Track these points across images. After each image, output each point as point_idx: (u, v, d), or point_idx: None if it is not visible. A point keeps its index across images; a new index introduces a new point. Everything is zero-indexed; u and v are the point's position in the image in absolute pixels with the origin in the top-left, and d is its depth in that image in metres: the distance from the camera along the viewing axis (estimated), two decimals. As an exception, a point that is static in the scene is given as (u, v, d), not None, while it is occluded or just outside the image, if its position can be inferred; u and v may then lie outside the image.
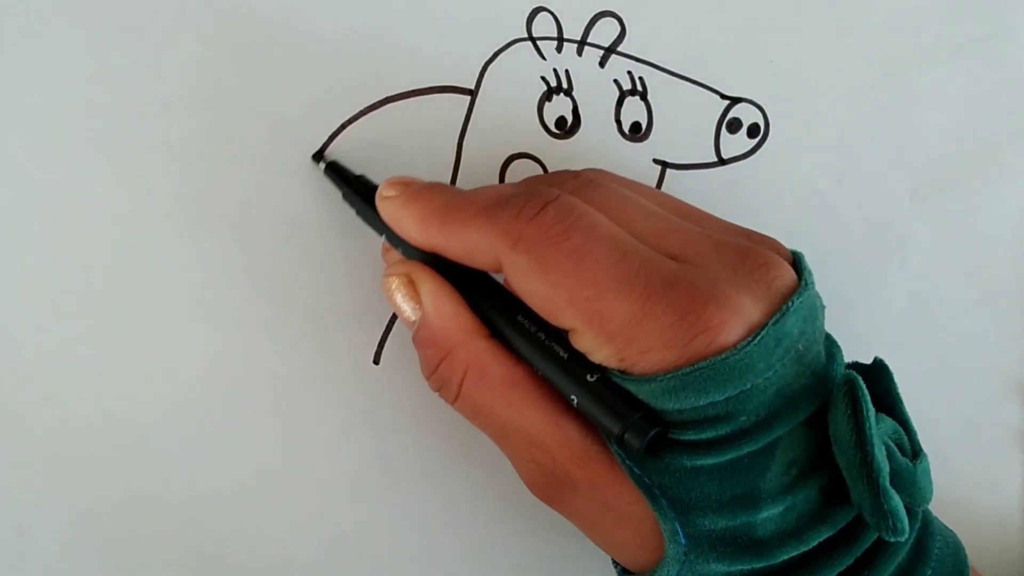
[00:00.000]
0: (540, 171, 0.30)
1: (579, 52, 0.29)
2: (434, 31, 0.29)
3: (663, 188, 0.30)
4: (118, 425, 0.28)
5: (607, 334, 0.21)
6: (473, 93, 0.29)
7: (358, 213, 0.27)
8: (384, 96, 0.29)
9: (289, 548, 0.29)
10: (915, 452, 0.23)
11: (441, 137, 0.29)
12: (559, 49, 0.29)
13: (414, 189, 0.25)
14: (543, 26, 0.29)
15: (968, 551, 0.25)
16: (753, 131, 0.30)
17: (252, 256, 0.29)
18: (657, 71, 0.30)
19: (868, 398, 0.21)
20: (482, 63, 0.29)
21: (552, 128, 0.30)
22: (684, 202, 0.27)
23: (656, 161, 0.30)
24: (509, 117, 0.29)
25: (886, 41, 0.30)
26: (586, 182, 0.24)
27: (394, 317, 0.29)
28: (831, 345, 0.24)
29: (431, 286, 0.24)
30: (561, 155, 0.30)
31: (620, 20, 0.29)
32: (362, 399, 0.29)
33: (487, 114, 0.29)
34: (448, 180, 0.29)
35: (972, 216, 0.31)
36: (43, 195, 0.28)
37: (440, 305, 0.24)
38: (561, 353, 0.22)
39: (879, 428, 0.22)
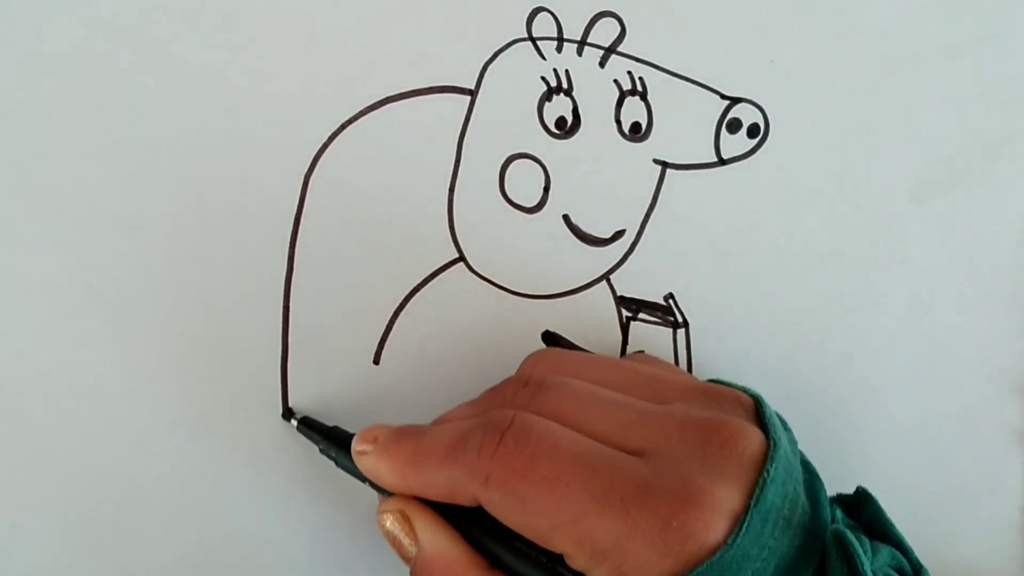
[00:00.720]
0: (540, 171, 0.30)
1: (579, 52, 0.29)
2: (434, 31, 0.29)
3: (663, 188, 0.30)
4: (118, 425, 0.28)
5: (600, 554, 0.21)
6: (473, 93, 0.29)
7: (337, 464, 0.27)
8: (384, 96, 0.29)
9: (289, 548, 0.29)
10: (915, 571, 0.24)
11: (441, 137, 0.29)
12: (559, 49, 0.29)
13: (383, 440, 0.25)
14: (543, 26, 0.29)
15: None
16: (753, 131, 0.30)
17: (252, 255, 0.29)
18: (657, 71, 0.30)
19: (859, 550, 0.21)
20: (482, 63, 0.29)
21: (552, 128, 0.30)
22: (636, 364, 0.27)
23: (656, 161, 0.30)
24: (509, 117, 0.29)
25: (886, 41, 0.30)
26: (536, 389, 0.24)
27: (394, 317, 0.29)
28: (813, 483, 0.23)
29: (426, 521, 0.24)
30: (561, 155, 0.30)
31: (620, 20, 0.29)
32: (362, 399, 0.29)
33: (487, 114, 0.29)
34: (448, 180, 0.29)
35: (972, 216, 0.31)
36: (43, 195, 0.28)
37: (436, 540, 0.24)
38: (567, 575, 0.22)
39: (877, 560, 0.22)
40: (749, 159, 0.30)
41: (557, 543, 0.21)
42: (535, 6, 0.29)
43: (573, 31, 0.29)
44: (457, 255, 0.30)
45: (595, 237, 0.30)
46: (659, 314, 0.31)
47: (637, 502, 0.21)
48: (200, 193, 0.28)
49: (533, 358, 0.27)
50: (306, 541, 0.29)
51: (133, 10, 0.28)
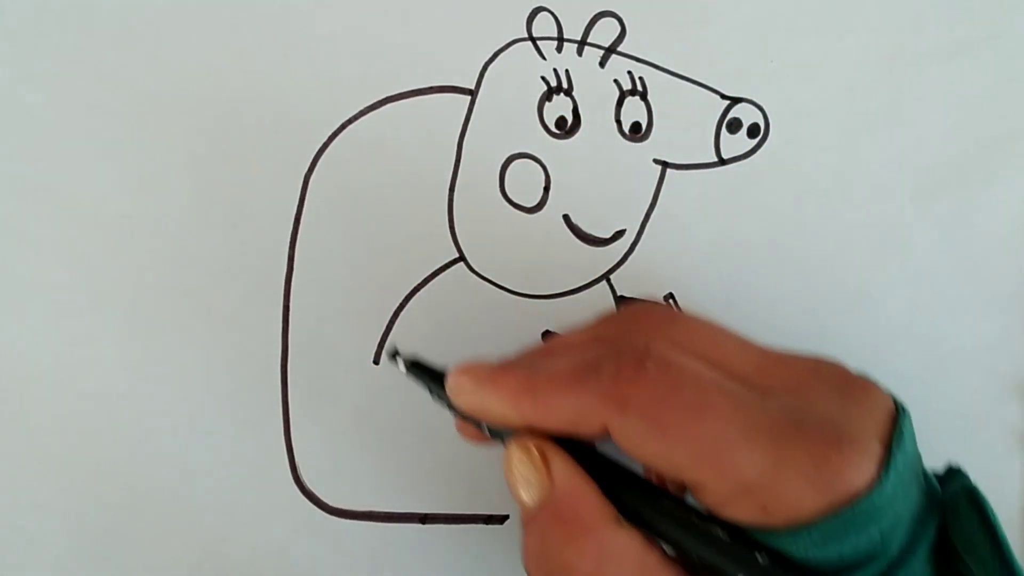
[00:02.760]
0: (540, 171, 0.30)
1: (579, 52, 0.29)
2: (434, 31, 0.29)
3: (663, 188, 0.30)
4: (118, 425, 0.28)
5: (744, 486, 0.20)
6: (473, 93, 0.29)
7: (451, 409, 0.24)
8: (384, 96, 0.29)
9: (289, 549, 0.29)
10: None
11: (441, 137, 0.29)
12: (559, 49, 0.29)
13: (487, 371, 0.23)
14: (543, 26, 0.29)
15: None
16: (753, 131, 0.30)
17: (252, 255, 0.29)
18: (657, 71, 0.30)
19: (990, 504, 0.21)
20: (482, 63, 0.29)
21: (552, 128, 0.30)
22: (731, 329, 0.26)
23: (656, 161, 0.30)
24: (509, 117, 0.29)
25: (886, 41, 0.30)
26: (666, 317, 0.24)
27: (394, 317, 0.29)
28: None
29: (564, 461, 0.22)
30: (561, 155, 0.30)
31: (620, 20, 0.29)
32: (362, 399, 0.29)
33: (487, 114, 0.29)
34: (448, 180, 0.29)
35: (972, 216, 0.31)
36: (43, 195, 0.28)
37: (575, 483, 0.22)
38: (722, 535, 0.21)
39: None
40: (749, 159, 0.30)
41: (696, 474, 0.21)
42: (535, 6, 0.29)
43: (573, 31, 0.29)
44: (457, 255, 0.30)
45: (595, 237, 0.30)
46: (659, 314, 0.31)
47: (788, 437, 0.20)
48: (200, 193, 0.28)
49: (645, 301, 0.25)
50: (306, 541, 0.29)
51: (133, 10, 0.28)
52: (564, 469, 0.22)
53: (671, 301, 0.31)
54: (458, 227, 0.30)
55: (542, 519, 0.22)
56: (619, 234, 0.30)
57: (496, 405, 0.23)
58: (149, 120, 0.28)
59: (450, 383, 0.24)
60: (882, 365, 0.31)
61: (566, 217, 0.30)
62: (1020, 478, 0.32)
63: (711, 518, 0.21)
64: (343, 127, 0.29)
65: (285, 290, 0.29)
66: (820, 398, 0.21)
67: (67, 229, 0.28)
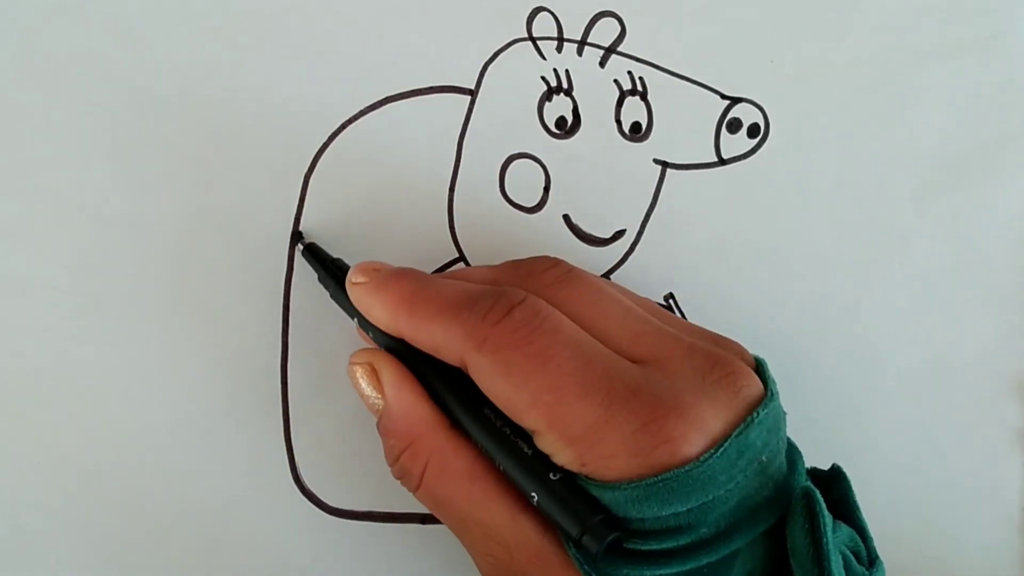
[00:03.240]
0: (540, 171, 0.30)
1: (579, 52, 0.29)
2: (434, 31, 0.29)
3: (663, 188, 0.30)
4: (118, 425, 0.28)
5: (568, 438, 0.21)
6: (473, 93, 0.29)
7: (332, 296, 0.27)
8: (384, 96, 0.29)
9: (289, 549, 0.29)
10: (871, 560, 0.24)
11: (441, 137, 0.29)
12: (559, 49, 0.29)
13: (383, 275, 0.25)
14: (543, 26, 0.29)
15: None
16: (753, 131, 0.30)
17: (251, 256, 0.29)
18: (657, 71, 0.30)
19: (825, 510, 0.21)
20: (482, 63, 0.29)
21: (552, 128, 0.30)
22: (653, 302, 0.27)
23: (656, 161, 0.30)
24: (509, 117, 0.29)
25: (886, 41, 0.30)
26: (563, 276, 0.24)
27: (394, 317, 0.29)
28: (792, 452, 0.24)
29: (393, 376, 0.24)
30: (561, 155, 0.30)
31: (620, 20, 0.29)
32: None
33: (487, 114, 0.29)
34: (448, 180, 0.29)
35: (972, 216, 0.31)
36: (42, 195, 0.28)
37: (402, 396, 0.24)
38: (526, 450, 0.22)
39: (836, 537, 0.22)
40: (749, 159, 0.30)
41: (530, 420, 0.22)
42: (535, 6, 0.29)
43: (573, 31, 0.29)
44: (457, 255, 0.30)
45: (595, 237, 0.30)
46: (659, 314, 0.31)
47: (621, 398, 0.21)
48: (200, 193, 0.28)
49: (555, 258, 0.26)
50: (306, 541, 0.29)
51: (133, 10, 0.28)
52: (393, 383, 0.24)
53: (671, 301, 0.31)
54: (458, 227, 0.30)
55: (382, 427, 0.25)
56: (619, 234, 0.30)
57: (376, 305, 0.24)
58: (149, 120, 0.28)
59: (350, 276, 0.25)
60: (882, 365, 0.31)
61: (566, 217, 0.30)
62: (1020, 478, 0.32)
63: (523, 434, 0.22)
64: (343, 127, 0.29)
65: (285, 290, 0.29)
66: (680, 374, 0.22)
67: (67, 229, 0.28)
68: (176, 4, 0.28)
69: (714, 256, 0.31)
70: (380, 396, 0.24)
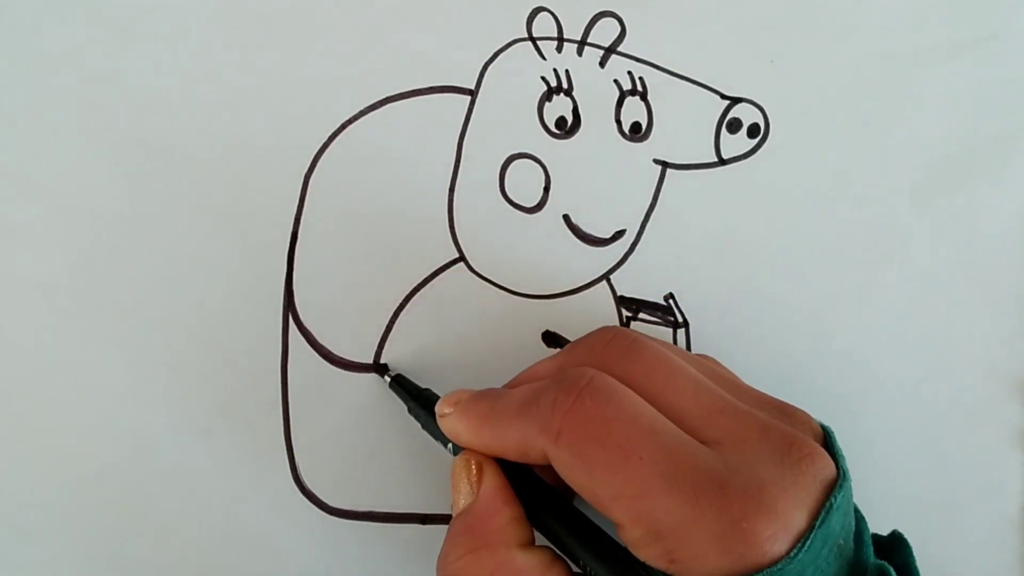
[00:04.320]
0: (540, 171, 0.30)
1: (579, 52, 0.29)
2: (434, 31, 0.29)
3: (663, 188, 0.30)
4: (118, 425, 0.28)
5: (655, 532, 0.21)
6: (473, 93, 0.29)
7: (424, 426, 0.27)
8: (384, 96, 0.29)
9: (289, 549, 0.29)
10: None
11: (441, 137, 0.29)
12: (559, 49, 0.29)
13: (464, 401, 0.25)
14: (543, 26, 0.29)
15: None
16: (753, 131, 0.30)
17: (251, 256, 0.29)
18: (657, 71, 0.30)
19: None
20: (482, 63, 0.29)
21: (552, 128, 0.30)
22: (716, 364, 0.26)
23: (656, 161, 0.30)
24: (509, 117, 0.29)
25: (886, 41, 0.30)
26: (628, 348, 0.24)
27: (394, 317, 0.29)
28: (859, 521, 0.24)
29: (494, 480, 0.24)
30: (561, 155, 0.30)
31: (620, 20, 0.29)
32: (362, 399, 0.29)
33: (487, 114, 0.29)
34: (448, 180, 0.29)
35: (972, 216, 0.31)
36: (42, 195, 0.28)
37: (494, 501, 0.24)
38: (614, 546, 0.22)
39: None
40: (749, 159, 0.30)
41: (615, 513, 0.21)
42: (535, 6, 0.29)
43: (573, 31, 0.29)
44: (457, 255, 0.30)
45: (595, 237, 0.30)
46: (659, 314, 0.31)
47: (708, 493, 0.20)
48: (200, 193, 0.28)
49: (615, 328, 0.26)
50: (306, 541, 0.29)
51: (133, 10, 0.28)
52: (491, 486, 0.24)
53: (671, 301, 0.31)
54: (458, 227, 0.30)
55: (457, 525, 0.24)
56: (619, 234, 0.30)
57: (462, 430, 0.25)
58: (149, 120, 0.28)
59: (436, 408, 0.26)
60: (882, 365, 0.31)
61: (566, 217, 0.30)
62: (1020, 478, 0.32)
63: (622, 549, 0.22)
64: (343, 127, 0.29)
65: (285, 290, 0.29)
66: (759, 457, 0.21)
67: (66, 229, 0.28)
68: (176, 4, 0.28)
69: (714, 256, 0.31)
70: (473, 493, 0.24)
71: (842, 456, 0.23)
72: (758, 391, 0.25)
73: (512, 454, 0.24)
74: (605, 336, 0.25)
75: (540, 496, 0.24)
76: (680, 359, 0.24)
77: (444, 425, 0.25)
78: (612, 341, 0.24)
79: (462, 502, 0.24)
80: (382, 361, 0.29)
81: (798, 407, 0.24)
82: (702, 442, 0.22)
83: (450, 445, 0.26)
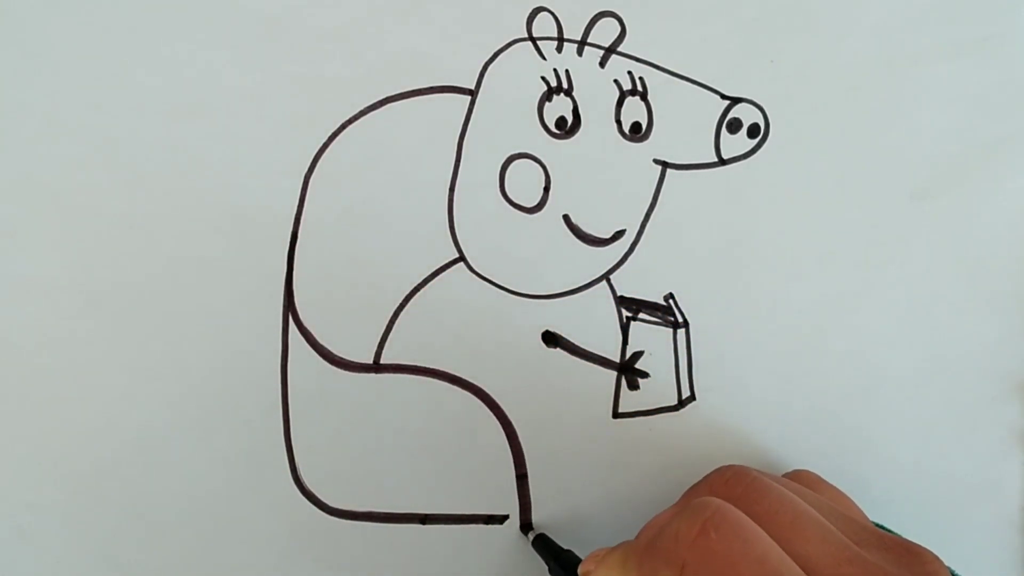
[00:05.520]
0: (540, 171, 0.30)
1: (579, 52, 0.29)
2: (434, 31, 0.29)
3: (663, 188, 0.30)
4: (118, 425, 0.28)
5: None
6: (473, 93, 0.29)
7: None
8: (384, 96, 0.29)
9: (289, 549, 0.29)
10: None
11: (441, 137, 0.29)
12: (559, 49, 0.29)
13: (603, 555, 0.25)
14: (543, 26, 0.29)
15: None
16: (753, 131, 0.30)
17: (252, 255, 0.29)
18: (657, 71, 0.30)
19: None
20: (482, 63, 0.29)
21: (552, 128, 0.30)
22: (841, 498, 0.26)
23: (656, 161, 0.30)
24: (509, 117, 0.29)
25: (886, 41, 0.30)
26: (750, 487, 0.23)
27: (394, 317, 0.29)
28: None
29: None
30: (561, 155, 0.30)
31: (620, 20, 0.29)
32: (362, 399, 0.29)
33: (487, 114, 0.29)
34: (448, 180, 0.29)
35: (972, 216, 0.31)
36: (42, 195, 0.28)
37: None
38: None
39: None
40: (749, 159, 0.30)
41: None
42: (535, 6, 0.29)
43: (573, 31, 0.29)
44: (457, 255, 0.30)
45: (595, 237, 0.30)
46: (659, 314, 0.31)
47: None
48: (200, 193, 0.28)
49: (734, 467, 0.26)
50: (306, 541, 0.29)
51: (133, 10, 0.28)
52: None
53: (671, 301, 0.31)
54: (458, 227, 0.30)
55: None
56: (619, 234, 0.30)
57: None
58: (149, 120, 0.28)
59: (581, 567, 0.26)
60: (882, 365, 0.31)
61: (566, 217, 0.30)
62: (1020, 478, 0.32)
63: None
64: (343, 127, 0.29)
65: (285, 290, 0.29)
66: None
67: (66, 229, 0.28)
68: (176, 4, 0.28)
69: (714, 256, 0.31)
70: None
71: None
72: (883, 531, 0.24)
73: None
74: (724, 475, 0.24)
75: None
76: (802, 501, 0.23)
77: None
78: (731, 480, 0.24)
79: None
80: (383, 361, 0.29)
81: (926, 549, 0.23)
82: None
83: None
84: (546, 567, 0.28)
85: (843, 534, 0.23)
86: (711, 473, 0.25)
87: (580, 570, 0.26)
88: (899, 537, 0.23)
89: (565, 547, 0.28)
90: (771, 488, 0.23)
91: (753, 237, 0.31)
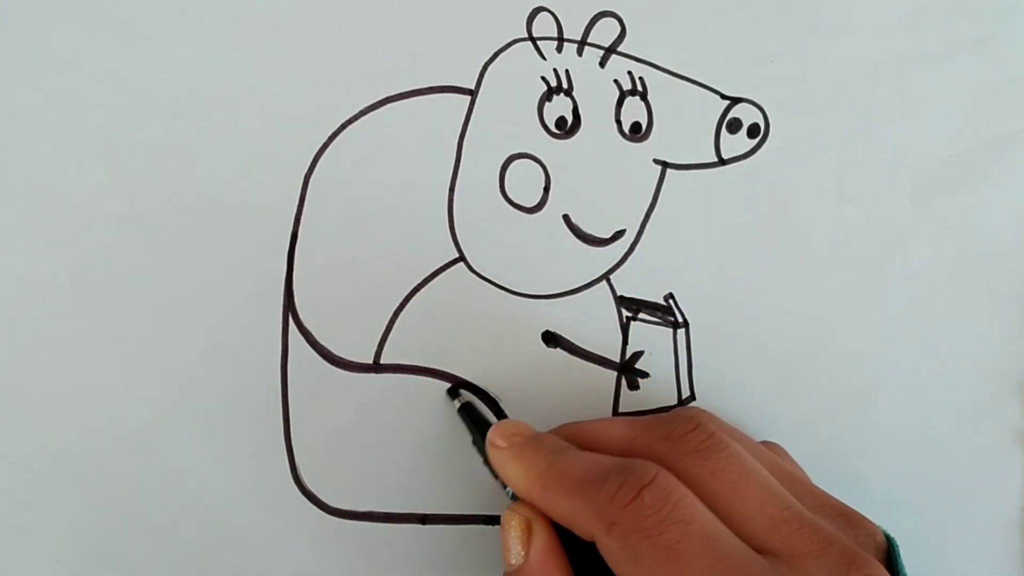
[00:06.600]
0: (540, 171, 0.30)
1: (579, 52, 0.29)
2: (434, 31, 0.29)
3: (663, 188, 0.30)
4: (118, 425, 0.28)
5: None
6: (473, 93, 0.29)
7: (484, 463, 0.27)
8: (384, 96, 0.29)
9: (289, 549, 0.29)
10: None
11: (441, 137, 0.29)
12: (559, 49, 0.29)
13: (519, 442, 0.25)
14: (543, 26, 0.29)
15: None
16: (753, 131, 0.30)
17: (252, 255, 0.29)
18: (657, 71, 0.30)
19: None
20: (482, 63, 0.29)
21: (552, 128, 0.30)
22: (782, 456, 0.26)
23: (656, 161, 0.30)
24: (509, 117, 0.29)
25: (886, 41, 0.30)
26: (704, 444, 0.24)
27: (394, 317, 0.29)
28: None
29: (544, 541, 0.24)
30: (561, 155, 0.30)
31: (620, 20, 0.29)
32: (362, 399, 0.29)
33: (487, 114, 0.29)
34: (448, 180, 0.29)
35: (972, 216, 0.31)
36: (42, 195, 0.28)
37: (545, 562, 0.24)
38: None
39: None
40: (749, 159, 0.30)
41: None
42: (535, 6, 0.29)
43: (573, 31, 0.29)
44: (457, 255, 0.30)
45: (595, 237, 0.30)
46: (659, 314, 0.31)
47: None
48: (200, 193, 0.28)
49: (698, 409, 0.26)
50: (306, 541, 0.29)
51: (133, 10, 0.28)
52: (541, 545, 0.24)
53: (671, 301, 0.31)
54: (458, 227, 0.30)
55: None
56: (619, 234, 0.30)
57: (513, 474, 0.25)
58: (149, 120, 0.28)
59: (488, 436, 0.26)
60: (882, 365, 0.31)
61: (566, 217, 0.30)
62: (1020, 478, 0.32)
63: None
64: (343, 127, 0.29)
65: (285, 290, 0.29)
66: (816, 574, 0.21)
67: (66, 229, 0.28)
68: (176, 4, 0.28)
69: (714, 256, 0.31)
70: (523, 553, 0.24)
71: (904, 573, 0.23)
72: (824, 493, 0.25)
73: (558, 520, 0.24)
74: (686, 425, 0.24)
75: (591, 560, 0.23)
76: (755, 463, 0.24)
77: (494, 458, 0.25)
78: (690, 432, 0.24)
79: (512, 560, 0.24)
80: (383, 361, 0.29)
81: (864, 516, 0.24)
82: (759, 551, 0.22)
83: (509, 490, 0.26)
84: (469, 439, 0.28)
85: (792, 493, 0.23)
86: (677, 415, 0.25)
87: (489, 438, 0.26)
88: (846, 506, 0.24)
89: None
90: (723, 446, 0.24)
91: (753, 237, 0.31)
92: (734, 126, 0.30)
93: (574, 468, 0.23)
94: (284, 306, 0.29)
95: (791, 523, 0.22)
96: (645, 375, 0.31)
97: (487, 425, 0.27)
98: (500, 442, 0.25)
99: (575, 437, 0.26)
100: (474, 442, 0.28)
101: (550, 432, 0.26)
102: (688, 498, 0.22)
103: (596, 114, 0.30)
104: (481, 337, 0.30)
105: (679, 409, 0.26)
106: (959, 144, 0.31)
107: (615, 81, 0.30)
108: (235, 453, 0.29)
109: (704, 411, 0.26)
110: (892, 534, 0.24)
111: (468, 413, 0.28)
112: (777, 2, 0.30)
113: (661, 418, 0.25)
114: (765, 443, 0.28)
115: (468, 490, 0.30)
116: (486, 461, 0.26)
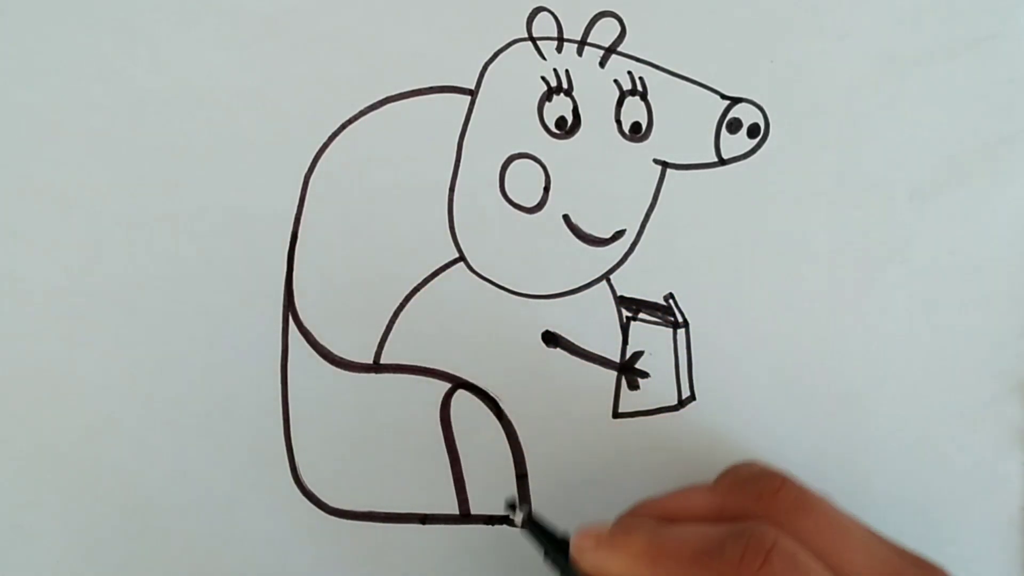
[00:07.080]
0: (540, 171, 0.30)
1: (579, 52, 0.29)
2: (434, 31, 0.29)
3: (663, 188, 0.30)
4: (118, 425, 0.28)
5: None
6: (473, 93, 0.29)
7: (562, 574, 0.25)
8: (384, 96, 0.29)
9: (289, 549, 0.29)
10: None
11: (441, 137, 0.29)
12: (559, 49, 0.29)
13: (607, 535, 0.24)
14: (543, 26, 0.29)
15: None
16: (753, 131, 0.30)
17: (252, 255, 0.29)
18: (657, 71, 0.30)
19: None
20: (482, 63, 0.29)
21: (552, 128, 0.30)
22: (860, 521, 0.26)
23: (656, 161, 0.30)
24: (509, 117, 0.29)
25: (886, 41, 0.30)
26: (798, 501, 0.23)
27: (394, 317, 0.29)
28: None
29: None
30: (561, 155, 0.30)
31: (620, 20, 0.29)
32: (362, 399, 0.29)
33: (487, 114, 0.29)
34: (448, 180, 0.29)
35: (972, 216, 0.31)
36: (42, 195, 0.28)
37: None
38: None
39: None
40: (749, 159, 0.30)
41: None
42: (535, 6, 0.29)
43: (573, 31, 0.29)
44: (457, 255, 0.30)
45: (595, 237, 0.30)
46: (659, 314, 0.31)
47: None
48: (200, 193, 0.28)
49: (763, 463, 0.26)
50: (306, 541, 0.29)
51: (133, 10, 0.28)
52: None
53: (671, 301, 0.31)
54: (458, 227, 0.30)
55: None
56: (619, 234, 0.30)
57: (616, 566, 0.23)
58: (149, 120, 0.28)
59: (574, 543, 0.24)
60: (882, 365, 0.31)
61: (566, 217, 0.30)
62: (1020, 478, 0.32)
63: None
64: (343, 127, 0.29)
65: (285, 290, 0.29)
66: None
67: (66, 229, 0.28)
68: (176, 4, 0.28)
69: (714, 256, 0.31)
70: None
71: None
72: (891, 540, 0.24)
73: None
74: (772, 482, 0.24)
75: None
76: (845, 516, 0.24)
77: (590, 561, 0.24)
78: (780, 491, 0.24)
79: None
80: (383, 361, 0.29)
81: (937, 565, 0.24)
82: None
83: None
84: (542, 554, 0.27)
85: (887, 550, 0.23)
86: (758, 475, 0.25)
87: (575, 545, 0.24)
88: (910, 552, 0.24)
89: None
90: (815, 500, 0.23)
91: (753, 237, 0.31)
92: (734, 126, 0.30)
93: (685, 539, 0.23)
94: (284, 306, 0.29)
95: (895, 572, 0.22)
96: (645, 375, 0.31)
97: (555, 537, 0.26)
98: (589, 543, 0.24)
99: (657, 513, 0.25)
100: (546, 555, 0.26)
101: (628, 513, 0.25)
102: (811, 558, 0.22)
103: (596, 114, 0.30)
104: (481, 337, 0.30)
105: (746, 465, 0.26)
106: (959, 144, 0.31)
107: (615, 81, 0.30)
108: (235, 453, 0.29)
109: (767, 464, 0.25)
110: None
111: (535, 528, 0.26)
112: (777, 2, 0.30)
113: (742, 478, 0.25)
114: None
115: (468, 490, 0.30)
116: (563, 570, 0.25)
